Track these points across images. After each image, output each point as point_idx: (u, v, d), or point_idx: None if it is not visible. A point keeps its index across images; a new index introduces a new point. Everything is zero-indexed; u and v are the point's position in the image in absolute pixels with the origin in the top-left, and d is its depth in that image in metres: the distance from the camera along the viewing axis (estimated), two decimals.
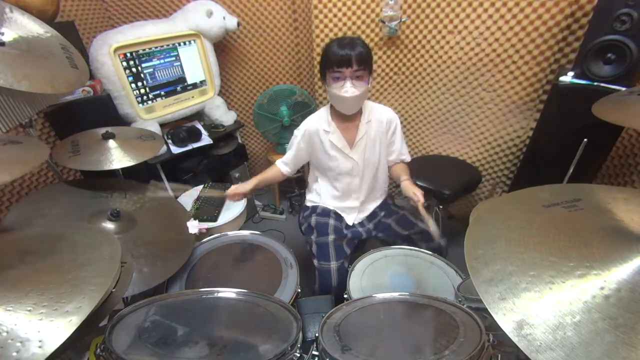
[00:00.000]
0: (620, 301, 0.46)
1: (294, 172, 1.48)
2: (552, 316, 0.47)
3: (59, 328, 0.50)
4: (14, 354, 0.46)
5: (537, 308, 0.48)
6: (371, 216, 1.49)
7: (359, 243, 1.48)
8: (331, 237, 1.34)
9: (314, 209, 1.49)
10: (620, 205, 0.63)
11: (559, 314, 0.47)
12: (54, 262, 0.63)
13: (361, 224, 1.47)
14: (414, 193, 1.24)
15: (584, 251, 0.54)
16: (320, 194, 1.49)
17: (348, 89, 1.17)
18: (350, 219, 1.46)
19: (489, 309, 0.50)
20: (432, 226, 1.15)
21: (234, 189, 1.32)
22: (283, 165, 1.44)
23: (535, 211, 0.66)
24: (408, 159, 1.47)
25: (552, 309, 0.47)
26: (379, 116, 1.34)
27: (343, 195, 1.44)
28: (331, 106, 1.32)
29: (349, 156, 1.34)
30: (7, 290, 0.54)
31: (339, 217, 1.46)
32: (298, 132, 1.37)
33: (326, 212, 1.46)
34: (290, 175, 1.47)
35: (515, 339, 0.46)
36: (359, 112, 1.32)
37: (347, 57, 1.13)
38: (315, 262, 1.32)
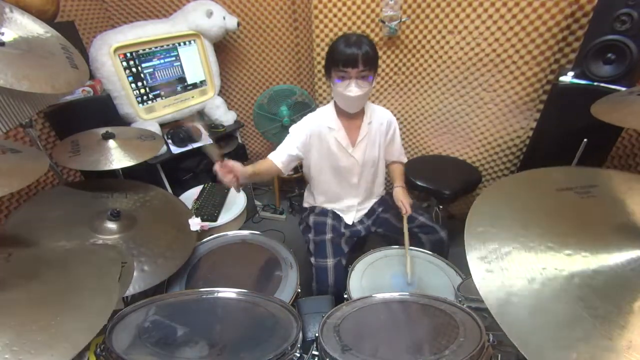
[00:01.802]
0: (603, 288, 0.47)
1: (287, 168, 1.33)
2: (532, 294, 0.48)
3: None
4: None
5: (521, 284, 0.50)
6: (369, 213, 1.50)
7: (359, 242, 1.48)
8: (329, 235, 1.35)
9: (312, 209, 1.50)
10: (635, 196, 0.61)
11: (540, 290, 0.48)
12: (45, 295, 0.61)
13: (360, 221, 1.48)
14: (402, 203, 1.33)
15: (584, 239, 0.54)
16: (318, 194, 1.48)
17: (352, 89, 1.17)
18: (349, 217, 1.46)
19: (474, 279, 0.52)
20: (406, 242, 1.25)
21: (229, 162, 1.06)
22: (275, 159, 1.29)
23: (546, 194, 0.65)
24: (404, 159, 1.52)
25: (534, 287, 0.49)
26: (379, 118, 1.36)
27: (340, 195, 1.44)
28: (335, 104, 1.32)
29: (351, 155, 1.34)
30: None
31: (337, 217, 1.46)
32: (297, 128, 1.30)
33: (324, 212, 1.46)
34: (284, 171, 1.32)
35: (494, 313, 0.48)
36: (362, 112, 1.32)
37: (353, 57, 1.12)
38: (312, 259, 1.31)
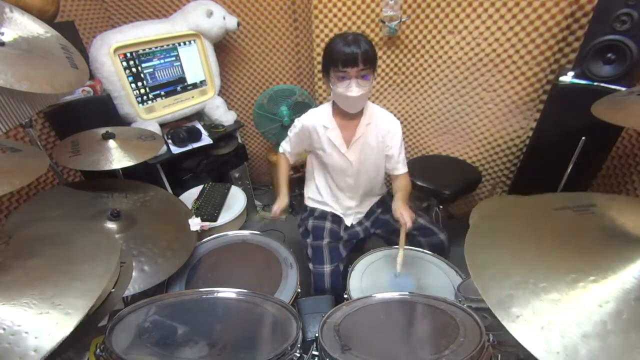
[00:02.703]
0: (611, 292, 0.47)
1: (295, 159, 1.48)
2: (539, 300, 0.49)
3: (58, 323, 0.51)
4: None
5: (524, 292, 0.50)
6: (369, 214, 1.49)
7: (359, 242, 1.47)
8: (326, 240, 1.35)
9: (312, 211, 1.49)
10: (635, 213, 0.62)
11: (545, 298, 0.49)
12: (44, 268, 0.61)
13: (359, 222, 1.47)
14: (401, 214, 1.20)
15: (584, 251, 0.54)
16: (319, 190, 1.48)
17: (353, 89, 1.15)
18: (349, 219, 1.46)
19: (479, 288, 0.51)
20: (399, 259, 1.15)
21: (276, 209, 1.37)
22: (283, 151, 1.47)
23: (543, 213, 0.66)
24: (402, 170, 1.36)
25: (539, 295, 0.49)
26: (381, 122, 1.32)
27: (336, 195, 1.44)
28: (333, 102, 1.31)
29: (344, 155, 1.33)
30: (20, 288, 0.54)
31: (336, 219, 1.45)
32: (298, 123, 1.37)
33: (323, 215, 1.46)
34: (292, 162, 1.49)
35: (495, 311, 0.49)
36: (360, 113, 1.30)
37: (353, 56, 1.10)
38: (310, 265, 1.32)
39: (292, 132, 1.41)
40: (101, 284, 0.59)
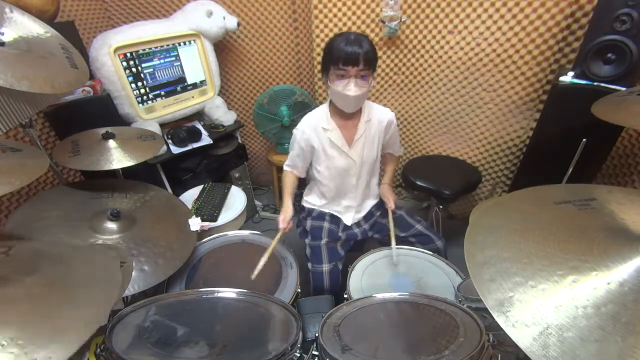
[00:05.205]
0: (608, 293, 0.47)
1: (304, 170, 1.45)
2: (534, 298, 0.49)
3: None
4: None
5: (523, 290, 0.50)
6: (368, 216, 1.49)
7: (358, 243, 1.48)
8: (324, 240, 1.35)
9: (310, 212, 1.49)
10: (636, 207, 0.62)
11: (542, 297, 0.49)
12: (45, 288, 0.59)
13: (357, 224, 1.47)
14: (388, 199, 1.42)
15: (583, 247, 0.54)
16: (318, 194, 1.48)
17: (352, 88, 1.15)
18: (348, 219, 1.46)
19: (476, 287, 0.51)
20: (392, 232, 1.29)
21: (283, 221, 1.30)
22: (290, 169, 1.44)
23: (544, 206, 0.66)
24: (401, 152, 1.54)
25: (536, 293, 0.49)
26: (380, 117, 1.33)
27: (339, 195, 1.44)
28: (330, 103, 1.30)
29: (348, 155, 1.33)
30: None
31: (334, 220, 1.46)
32: (297, 132, 1.34)
33: (322, 216, 1.46)
34: (301, 175, 1.46)
35: (494, 314, 0.49)
36: (359, 111, 1.30)
37: (354, 55, 1.09)
38: (309, 265, 1.32)
39: (293, 146, 1.38)
40: (103, 311, 0.59)
